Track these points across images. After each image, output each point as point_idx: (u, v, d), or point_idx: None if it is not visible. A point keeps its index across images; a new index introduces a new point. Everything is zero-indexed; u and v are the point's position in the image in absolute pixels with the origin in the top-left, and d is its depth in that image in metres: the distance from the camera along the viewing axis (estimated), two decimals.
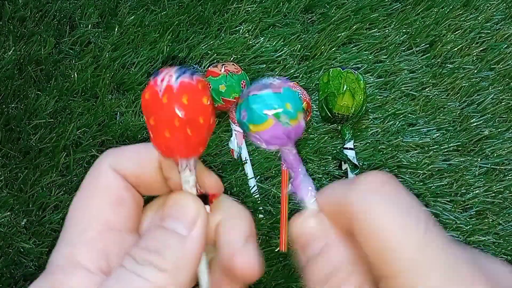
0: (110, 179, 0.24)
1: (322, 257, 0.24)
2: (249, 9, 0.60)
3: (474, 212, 0.54)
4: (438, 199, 0.54)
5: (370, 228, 0.21)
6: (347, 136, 0.55)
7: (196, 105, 0.22)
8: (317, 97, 0.57)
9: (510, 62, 0.59)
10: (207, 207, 0.23)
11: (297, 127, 0.25)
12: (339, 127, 0.56)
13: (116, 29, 0.59)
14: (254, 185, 0.53)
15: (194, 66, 0.58)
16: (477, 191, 0.54)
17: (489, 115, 0.57)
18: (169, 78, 0.22)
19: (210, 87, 0.53)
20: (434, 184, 0.54)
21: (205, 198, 0.24)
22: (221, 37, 0.59)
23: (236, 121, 0.54)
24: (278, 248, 0.51)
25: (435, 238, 0.21)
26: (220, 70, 0.52)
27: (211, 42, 0.59)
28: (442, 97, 0.58)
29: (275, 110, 0.24)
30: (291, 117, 0.24)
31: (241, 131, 0.54)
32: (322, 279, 0.23)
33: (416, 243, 0.21)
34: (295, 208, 0.52)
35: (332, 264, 0.23)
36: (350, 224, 0.23)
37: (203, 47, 0.59)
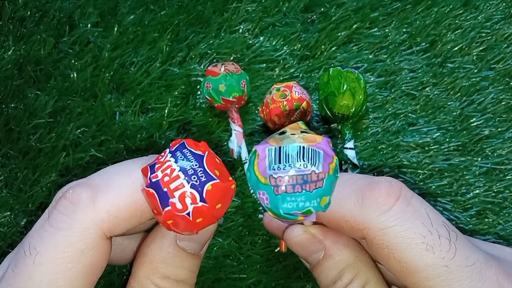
0: (103, 252, 0.21)
1: (324, 264, 0.24)
2: (249, 8, 0.60)
3: (474, 212, 0.54)
4: (438, 199, 0.54)
5: (389, 250, 0.21)
6: (347, 136, 0.55)
7: (223, 204, 0.20)
8: (317, 97, 0.57)
9: (510, 61, 0.59)
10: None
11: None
12: (339, 127, 0.56)
13: (115, 29, 0.59)
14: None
15: (193, 65, 0.58)
16: (477, 191, 0.54)
17: (490, 115, 0.57)
18: (185, 198, 0.19)
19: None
20: (434, 184, 0.54)
21: None
22: (221, 37, 0.59)
23: (235, 120, 0.54)
24: (278, 248, 0.51)
25: (459, 253, 0.20)
26: (220, 70, 0.52)
27: (211, 41, 0.59)
28: (443, 96, 0.58)
29: (309, 210, 0.20)
30: (323, 209, 0.21)
31: (241, 131, 0.54)
32: (330, 283, 0.24)
33: (440, 264, 0.20)
34: None
35: (336, 268, 0.23)
36: (360, 236, 0.23)
37: (202, 47, 0.59)
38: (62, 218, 0.20)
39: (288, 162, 0.19)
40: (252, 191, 0.22)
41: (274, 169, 0.19)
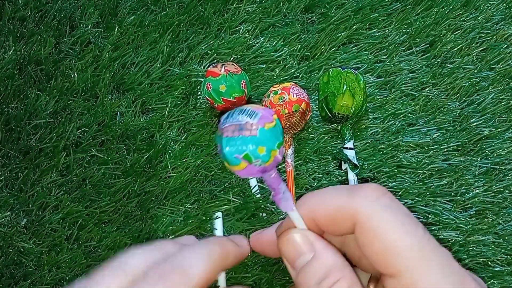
0: None
1: (312, 264, 0.25)
2: (249, 9, 0.60)
3: (474, 212, 0.54)
4: (438, 199, 0.54)
5: (375, 232, 0.23)
6: (347, 136, 0.55)
7: None
8: (317, 97, 0.57)
9: (510, 62, 0.59)
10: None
11: (272, 163, 0.25)
12: (339, 127, 0.56)
13: (116, 29, 0.59)
14: (255, 185, 0.53)
15: (194, 66, 0.58)
16: (477, 191, 0.54)
17: (489, 115, 0.57)
18: None
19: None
20: (434, 184, 0.54)
21: None
22: (221, 37, 0.59)
23: None
24: None
25: (430, 241, 0.23)
26: (220, 70, 0.52)
27: (211, 42, 0.59)
28: (442, 97, 0.58)
29: (247, 155, 0.24)
30: (264, 160, 0.24)
31: None
32: (315, 284, 0.25)
33: (417, 245, 0.23)
34: None
35: (322, 269, 0.25)
36: (350, 228, 0.25)
37: (203, 47, 0.59)
38: None
39: (233, 117, 0.25)
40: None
41: (224, 123, 0.25)
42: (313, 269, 0.25)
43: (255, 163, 0.25)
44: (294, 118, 0.51)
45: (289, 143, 0.53)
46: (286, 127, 0.52)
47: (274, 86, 0.54)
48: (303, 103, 0.52)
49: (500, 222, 0.53)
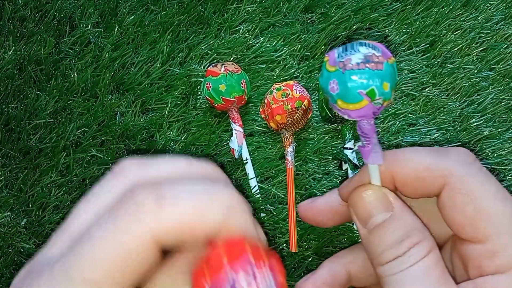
0: (146, 255, 0.20)
1: (391, 223, 0.24)
2: (249, 9, 0.60)
3: None
4: None
5: (468, 196, 0.23)
6: (347, 136, 0.55)
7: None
8: (317, 97, 0.57)
9: (510, 62, 0.59)
10: None
11: (388, 103, 0.23)
12: (339, 127, 0.56)
13: (116, 29, 0.59)
14: (255, 185, 0.53)
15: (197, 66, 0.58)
16: None
17: (489, 115, 0.57)
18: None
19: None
20: None
21: None
22: (221, 37, 0.59)
23: (236, 120, 0.54)
24: (289, 249, 0.51)
25: None
26: (220, 70, 0.52)
27: (211, 42, 0.59)
28: (442, 97, 0.58)
29: (373, 91, 0.22)
30: (385, 98, 0.23)
31: (242, 130, 0.54)
32: (393, 243, 0.23)
33: (509, 211, 0.22)
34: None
35: (402, 229, 0.24)
36: (435, 191, 0.24)
37: (203, 47, 0.59)
38: (124, 216, 0.20)
39: (354, 49, 0.22)
40: (320, 97, 0.25)
41: (342, 56, 0.22)
42: (391, 228, 0.24)
43: (377, 101, 0.22)
44: (297, 114, 0.51)
45: (290, 140, 0.53)
46: (288, 123, 0.52)
47: (277, 83, 0.54)
48: (306, 100, 0.52)
49: None
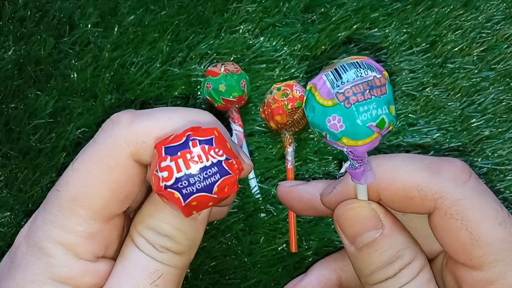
0: (126, 177, 0.22)
1: (381, 242, 0.22)
2: (249, 8, 0.60)
3: None
4: None
5: (462, 221, 0.21)
6: None
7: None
8: None
9: (511, 62, 0.59)
10: None
11: (391, 128, 0.20)
12: None
13: (115, 29, 0.59)
14: (255, 186, 0.53)
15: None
16: None
17: (490, 115, 0.57)
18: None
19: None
20: None
21: None
22: (221, 37, 0.59)
23: (236, 120, 0.54)
24: (289, 249, 0.51)
25: None
26: (220, 70, 0.52)
27: (211, 42, 0.59)
28: (443, 97, 0.58)
29: (383, 120, 0.19)
30: (392, 122, 0.20)
31: (242, 130, 0.54)
32: (383, 264, 0.22)
33: (506, 236, 0.21)
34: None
35: (393, 248, 0.22)
36: (424, 211, 0.22)
37: (203, 47, 0.59)
38: (101, 133, 0.22)
39: (346, 73, 0.19)
40: (317, 133, 0.21)
41: (339, 86, 0.19)
42: (381, 248, 0.22)
43: (386, 129, 0.20)
44: (297, 114, 0.51)
45: (290, 140, 0.53)
46: (288, 123, 0.52)
47: (277, 83, 0.54)
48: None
49: None
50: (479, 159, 0.55)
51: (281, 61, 0.58)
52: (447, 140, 0.56)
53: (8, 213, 0.52)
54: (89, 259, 0.22)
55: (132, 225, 0.23)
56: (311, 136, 0.56)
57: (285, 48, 0.59)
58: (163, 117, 0.22)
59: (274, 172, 0.54)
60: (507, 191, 0.54)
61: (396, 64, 0.59)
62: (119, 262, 0.22)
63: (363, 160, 0.22)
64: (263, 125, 0.56)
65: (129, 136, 0.21)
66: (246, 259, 0.51)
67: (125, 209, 0.23)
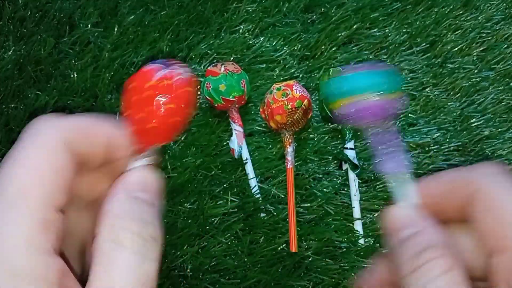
0: (62, 161, 0.22)
1: (413, 238, 0.24)
2: (249, 8, 0.60)
3: None
4: None
5: (495, 204, 0.23)
6: (347, 136, 0.55)
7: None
8: (317, 97, 0.57)
9: (511, 62, 0.59)
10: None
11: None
12: (340, 127, 0.56)
13: (115, 29, 0.59)
14: (255, 185, 0.53)
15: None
16: None
17: (490, 115, 0.57)
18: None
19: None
20: None
21: None
22: (221, 37, 0.59)
23: (236, 120, 0.54)
24: (289, 249, 0.51)
25: None
26: (220, 70, 0.52)
27: (211, 41, 0.59)
28: (443, 97, 0.58)
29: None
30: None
31: (242, 130, 0.54)
32: (412, 257, 0.24)
33: None
34: (300, 209, 0.51)
35: (423, 244, 0.24)
36: (465, 202, 0.24)
37: (203, 47, 0.59)
38: (27, 130, 0.23)
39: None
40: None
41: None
42: (415, 241, 0.25)
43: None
44: (297, 114, 0.51)
45: (290, 140, 0.53)
46: (288, 123, 0.52)
47: (277, 83, 0.54)
48: (306, 100, 0.52)
49: None
50: (479, 159, 0.55)
51: (281, 61, 0.58)
52: (447, 140, 0.56)
53: None
54: (41, 252, 0.21)
55: (102, 228, 0.23)
56: (311, 136, 0.56)
57: (285, 48, 0.59)
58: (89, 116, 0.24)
59: (274, 172, 0.54)
60: None
61: (396, 64, 0.59)
62: (98, 262, 0.22)
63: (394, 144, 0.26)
64: (263, 125, 0.56)
65: (62, 128, 0.23)
66: (246, 259, 0.51)
67: (69, 197, 0.23)
